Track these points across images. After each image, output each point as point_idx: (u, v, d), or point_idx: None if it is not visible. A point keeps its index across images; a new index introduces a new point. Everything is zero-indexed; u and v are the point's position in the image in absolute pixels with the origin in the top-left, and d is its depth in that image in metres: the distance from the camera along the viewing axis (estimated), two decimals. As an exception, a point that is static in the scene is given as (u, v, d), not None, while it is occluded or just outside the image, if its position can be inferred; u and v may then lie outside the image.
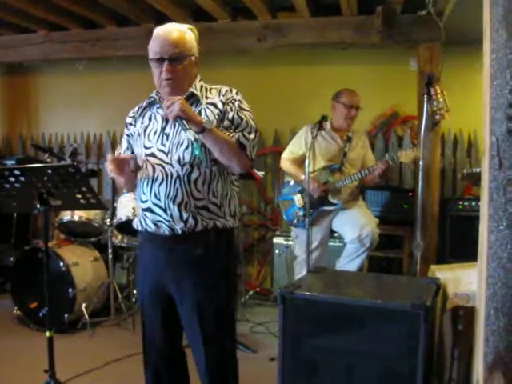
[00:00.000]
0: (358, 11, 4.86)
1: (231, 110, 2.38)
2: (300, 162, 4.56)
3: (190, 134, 2.21)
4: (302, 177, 4.44)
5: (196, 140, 2.21)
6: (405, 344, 2.28)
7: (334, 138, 4.49)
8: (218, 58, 5.36)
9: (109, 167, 2.35)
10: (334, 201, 4.42)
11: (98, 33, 5.60)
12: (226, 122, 2.37)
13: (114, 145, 6.43)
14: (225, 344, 2.46)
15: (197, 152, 2.24)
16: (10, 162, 5.78)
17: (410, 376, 2.26)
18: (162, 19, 5.07)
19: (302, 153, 4.53)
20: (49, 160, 5.01)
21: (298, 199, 4.54)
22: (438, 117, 4.31)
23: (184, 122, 2.22)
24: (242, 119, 2.38)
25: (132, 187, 2.54)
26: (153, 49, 2.38)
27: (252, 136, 2.39)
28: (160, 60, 2.35)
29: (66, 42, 5.71)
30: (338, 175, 4.45)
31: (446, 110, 4.23)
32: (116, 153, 2.63)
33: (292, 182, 4.65)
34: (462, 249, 4.71)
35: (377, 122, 5.69)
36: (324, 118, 4.24)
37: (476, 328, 2.17)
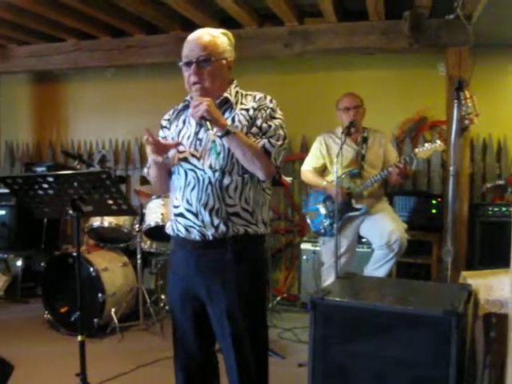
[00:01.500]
0: (386, 16, 4.84)
1: (261, 117, 2.37)
2: (320, 171, 4.58)
3: (211, 135, 2.21)
4: (324, 183, 4.45)
5: (214, 142, 2.22)
6: (436, 351, 2.26)
7: (348, 143, 4.45)
8: (245, 65, 5.38)
9: (148, 147, 2.34)
10: (358, 206, 4.41)
11: (127, 41, 5.67)
12: (254, 129, 2.36)
13: (142, 151, 6.49)
14: (256, 349, 2.45)
15: (214, 154, 2.26)
16: (41, 169, 5.87)
17: (442, 383, 2.24)
18: (189, 27, 5.12)
19: (320, 164, 4.56)
20: (78, 166, 5.08)
21: (322, 208, 4.54)
22: (467, 121, 4.27)
23: (208, 123, 2.23)
24: (270, 127, 2.36)
25: (162, 177, 2.52)
26: (183, 53, 2.40)
27: (279, 143, 2.37)
28: (189, 63, 2.36)
29: (95, 50, 5.80)
30: (359, 180, 4.44)
31: (475, 114, 4.19)
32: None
33: (314, 192, 4.66)
34: (491, 255, 4.67)
35: (404, 126, 5.66)
36: (352, 124, 4.23)
37: (508, 335, 2.15)
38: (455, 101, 3.78)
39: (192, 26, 5.05)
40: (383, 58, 5.46)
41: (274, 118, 2.40)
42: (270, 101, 2.43)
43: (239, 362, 2.41)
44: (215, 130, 2.24)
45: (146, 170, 2.63)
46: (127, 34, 5.64)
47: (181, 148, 2.42)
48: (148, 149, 2.35)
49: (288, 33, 5.14)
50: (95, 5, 4.86)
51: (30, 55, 6.03)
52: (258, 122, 2.37)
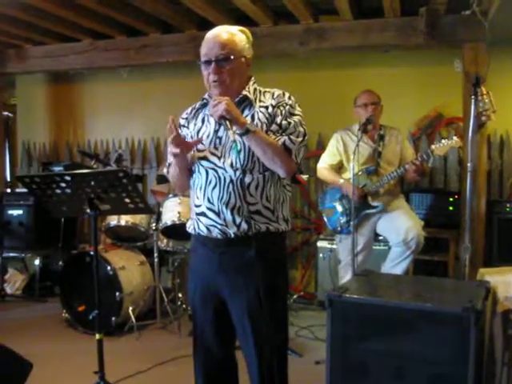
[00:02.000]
0: (401, 13, 4.81)
1: (280, 114, 2.36)
2: (337, 168, 4.56)
3: (231, 135, 2.22)
4: (341, 181, 4.43)
5: (235, 141, 2.23)
6: (455, 348, 2.25)
7: (365, 141, 4.43)
8: (260, 63, 5.37)
9: (171, 142, 2.32)
10: (375, 203, 4.39)
11: (142, 40, 5.69)
12: (273, 126, 2.35)
13: (158, 150, 6.52)
14: (276, 348, 2.44)
15: (234, 153, 2.26)
16: (58, 169, 5.92)
17: (461, 381, 2.22)
18: (204, 25, 5.13)
19: (337, 161, 4.54)
20: (95, 166, 5.11)
21: (339, 206, 4.53)
22: (484, 118, 4.25)
23: (228, 122, 2.22)
24: (289, 124, 2.36)
25: (182, 175, 2.51)
26: (202, 52, 2.39)
27: (299, 139, 2.36)
28: (208, 62, 2.35)
29: (110, 49, 5.82)
30: (375, 177, 4.41)
31: (493, 110, 4.17)
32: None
33: (331, 190, 4.65)
34: (509, 252, 4.64)
35: (421, 124, 5.63)
36: (368, 121, 4.21)
37: (528, 332, 2.13)
38: (472, 97, 3.75)
39: (207, 25, 5.06)
40: (399, 55, 5.42)
41: (294, 114, 2.39)
42: (289, 97, 2.43)
43: (260, 359, 2.40)
44: (235, 128, 2.23)
45: (165, 170, 2.63)
46: (142, 33, 5.66)
47: (200, 147, 2.42)
48: (168, 140, 2.33)
49: (303, 31, 5.13)
50: (110, 4, 4.88)
51: (46, 55, 6.08)
52: (278, 119, 2.36)
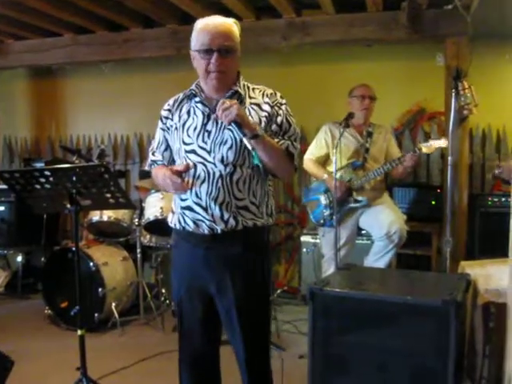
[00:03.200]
0: (383, 7, 4.81)
1: (279, 114, 2.37)
2: (322, 161, 4.56)
3: (247, 143, 2.18)
4: (325, 176, 4.43)
5: (253, 149, 2.18)
6: (435, 340, 2.26)
7: (353, 135, 4.46)
8: (243, 57, 5.36)
9: (173, 179, 2.30)
10: (359, 198, 4.40)
11: (124, 35, 5.64)
12: (274, 127, 2.36)
13: (141, 146, 6.49)
14: (262, 340, 2.48)
15: (256, 162, 2.21)
16: (39, 165, 5.87)
17: (441, 373, 2.24)
18: (186, 19, 5.10)
19: (324, 153, 4.53)
20: (77, 161, 5.08)
21: (323, 199, 4.53)
22: (465, 112, 4.28)
23: (237, 127, 2.18)
24: (290, 125, 2.38)
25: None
26: (202, 39, 2.32)
27: (298, 145, 2.41)
28: (209, 51, 2.30)
29: (92, 44, 5.77)
30: (361, 172, 4.42)
31: (474, 104, 4.19)
32: (151, 147, 2.63)
33: (316, 182, 4.65)
34: (491, 245, 4.65)
35: (403, 118, 5.64)
36: (350, 115, 4.21)
37: (507, 325, 2.15)
38: (453, 90, 3.77)
39: (189, 19, 5.04)
40: (382, 49, 5.41)
41: (291, 115, 2.42)
42: (281, 97, 2.44)
43: (247, 353, 2.42)
44: (248, 134, 2.20)
45: (147, 167, 2.61)
46: (124, 27, 5.61)
47: (187, 140, 2.39)
48: (172, 180, 2.31)
49: (286, 25, 5.11)
50: (91, -2, 4.85)
51: (27, 50, 6.01)
52: (278, 120, 2.37)
